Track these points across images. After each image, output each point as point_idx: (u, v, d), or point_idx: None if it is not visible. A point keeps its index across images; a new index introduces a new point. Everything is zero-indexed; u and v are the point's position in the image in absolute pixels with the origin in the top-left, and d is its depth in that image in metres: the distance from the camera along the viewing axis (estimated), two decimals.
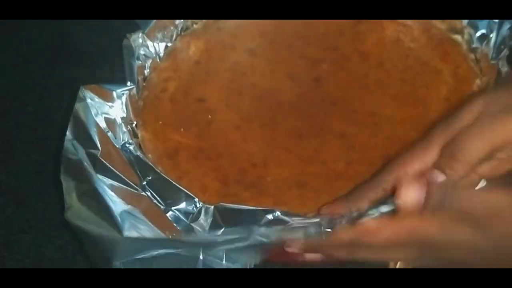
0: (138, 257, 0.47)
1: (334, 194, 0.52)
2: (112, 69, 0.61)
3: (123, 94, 0.57)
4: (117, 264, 0.47)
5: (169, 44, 0.64)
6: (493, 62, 0.60)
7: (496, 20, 0.60)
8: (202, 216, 0.48)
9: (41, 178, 0.65)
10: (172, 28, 0.64)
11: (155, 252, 0.47)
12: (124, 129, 0.56)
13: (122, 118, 0.56)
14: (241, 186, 0.55)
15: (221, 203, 0.48)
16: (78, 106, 0.53)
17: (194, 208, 0.49)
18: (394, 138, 0.57)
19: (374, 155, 0.56)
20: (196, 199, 0.49)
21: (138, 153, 0.54)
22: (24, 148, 0.68)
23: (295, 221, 0.46)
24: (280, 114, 0.60)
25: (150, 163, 0.53)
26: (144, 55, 0.61)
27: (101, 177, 0.49)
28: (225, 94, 0.61)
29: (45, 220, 0.62)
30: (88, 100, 0.53)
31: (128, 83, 0.58)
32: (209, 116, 0.59)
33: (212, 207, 0.48)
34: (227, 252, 0.47)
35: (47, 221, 0.62)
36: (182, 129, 0.58)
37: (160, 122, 0.59)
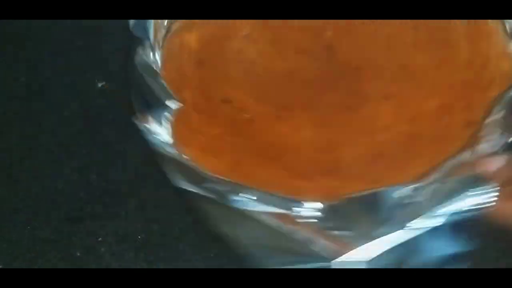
0: None
1: (416, 155, 0.49)
2: None
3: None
4: None
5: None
6: None
7: None
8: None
9: None
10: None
11: None
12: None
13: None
14: (325, 176, 0.49)
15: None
16: None
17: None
18: (440, 85, 0.54)
19: (430, 106, 0.53)
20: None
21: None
22: None
23: None
24: (313, 91, 0.55)
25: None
26: None
27: None
28: (247, 87, 0.54)
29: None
30: None
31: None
32: (246, 116, 0.52)
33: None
34: None
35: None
36: (227, 138, 0.51)
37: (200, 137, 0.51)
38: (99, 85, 0.63)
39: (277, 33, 0.58)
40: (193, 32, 0.57)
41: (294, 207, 0.43)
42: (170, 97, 0.50)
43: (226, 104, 0.53)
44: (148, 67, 0.52)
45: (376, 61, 0.56)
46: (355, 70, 0.56)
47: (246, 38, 0.57)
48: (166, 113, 0.49)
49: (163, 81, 0.51)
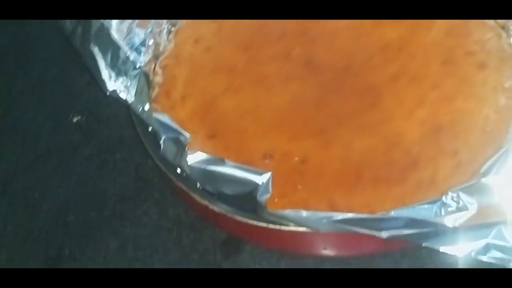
0: None
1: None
2: None
3: None
4: None
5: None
6: None
7: None
8: None
9: None
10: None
11: None
12: None
13: None
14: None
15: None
16: None
17: None
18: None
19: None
20: None
21: None
22: None
23: None
24: (326, 105, 0.53)
25: None
26: None
27: None
28: (273, 134, 0.51)
29: None
30: None
31: None
32: (296, 159, 0.50)
33: None
34: None
35: None
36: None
37: None
38: (74, 119, 0.61)
39: (254, 72, 0.55)
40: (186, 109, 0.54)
41: None
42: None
43: (271, 159, 0.50)
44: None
45: (358, 51, 0.55)
46: (346, 69, 0.54)
47: (229, 92, 0.54)
48: None
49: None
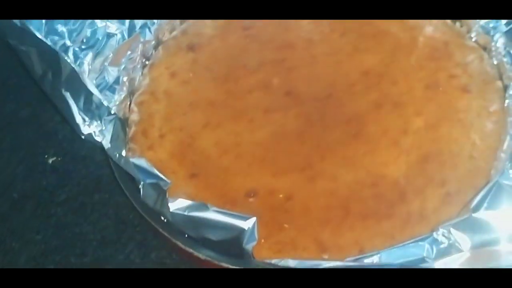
0: None
1: None
2: None
3: None
4: None
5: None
6: None
7: None
8: None
9: None
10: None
11: None
12: None
13: None
14: None
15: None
16: None
17: None
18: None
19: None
20: None
21: None
22: None
23: None
24: (311, 135, 0.51)
25: None
26: None
27: None
28: (255, 171, 0.50)
29: None
30: None
31: None
32: (281, 196, 0.48)
33: None
34: None
35: None
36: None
37: None
38: (50, 160, 0.59)
39: (233, 105, 0.54)
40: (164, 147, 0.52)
41: None
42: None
43: (255, 197, 0.48)
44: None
45: (338, 79, 0.54)
46: (327, 98, 0.53)
47: (208, 128, 0.53)
48: None
49: None
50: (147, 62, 0.57)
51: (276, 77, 0.55)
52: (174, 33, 0.59)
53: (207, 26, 0.59)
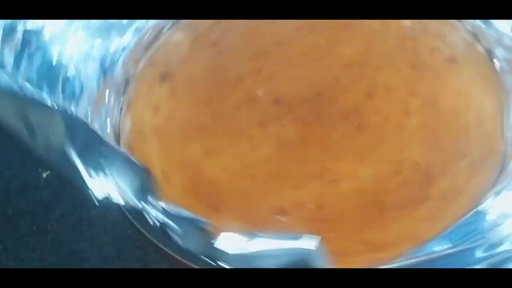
0: None
1: None
2: None
3: None
4: None
5: None
6: None
7: None
8: None
9: None
10: None
11: None
12: None
13: None
14: None
15: None
16: None
17: None
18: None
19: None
20: None
21: None
22: None
23: None
24: (310, 141, 0.50)
25: None
26: None
27: None
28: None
29: None
30: None
31: None
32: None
33: None
34: None
35: None
36: None
37: None
38: (44, 175, 0.55)
39: (225, 126, 0.52)
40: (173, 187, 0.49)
41: None
42: None
43: (285, 214, 0.47)
44: None
45: (322, 76, 0.53)
46: (317, 98, 0.52)
47: (210, 156, 0.50)
48: None
49: None
50: (122, 98, 0.54)
51: (259, 88, 0.54)
52: (142, 64, 0.56)
53: (174, 51, 0.56)
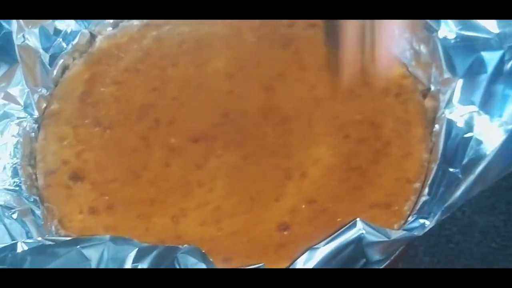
0: None
1: None
2: None
3: None
4: None
5: None
6: None
7: None
8: None
9: None
10: None
11: None
12: None
13: None
14: None
15: None
16: None
17: None
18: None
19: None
20: None
21: None
22: None
23: None
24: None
25: None
26: None
27: None
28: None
29: None
30: None
31: None
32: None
33: None
34: None
35: None
36: None
37: None
38: None
39: (171, 185, 0.49)
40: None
41: None
42: None
43: (289, 228, 0.46)
44: None
45: (212, 96, 0.53)
46: (226, 117, 0.52)
47: (180, 220, 0.47)
48: None
49: None
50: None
51: (170, 136, 0.51)
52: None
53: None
